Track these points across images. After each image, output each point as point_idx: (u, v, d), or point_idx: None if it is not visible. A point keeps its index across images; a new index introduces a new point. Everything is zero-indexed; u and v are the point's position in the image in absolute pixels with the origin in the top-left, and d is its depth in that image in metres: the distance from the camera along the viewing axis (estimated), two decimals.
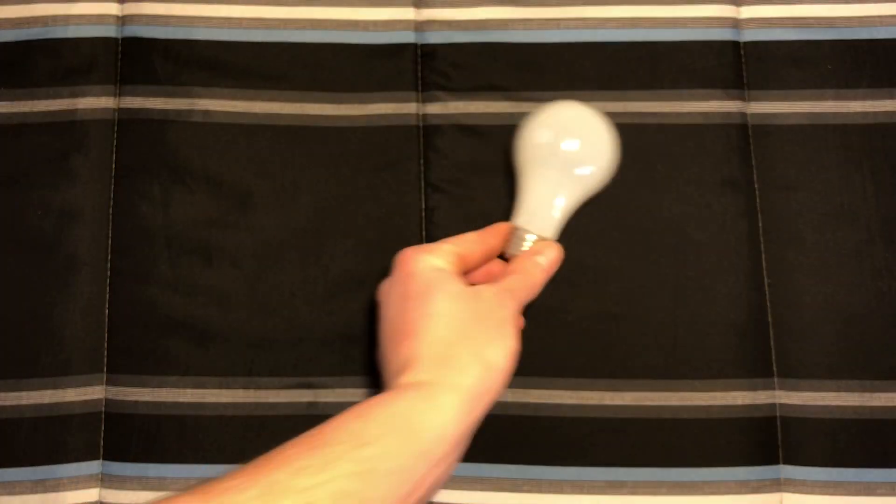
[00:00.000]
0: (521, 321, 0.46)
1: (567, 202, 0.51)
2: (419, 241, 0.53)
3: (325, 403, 0.51)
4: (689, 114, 0.55)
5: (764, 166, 0.54)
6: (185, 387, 0.51)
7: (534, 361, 0.52)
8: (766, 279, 0.53)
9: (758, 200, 0.54)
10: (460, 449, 0.41)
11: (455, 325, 0.42)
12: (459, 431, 0.40)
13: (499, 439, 0.51)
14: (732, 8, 0.57)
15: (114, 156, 0.54)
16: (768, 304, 0.52)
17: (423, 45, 0.56)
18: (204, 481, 0.35)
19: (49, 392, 0.51)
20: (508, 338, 0.43)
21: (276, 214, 0.54)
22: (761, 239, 0.53)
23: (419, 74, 0.56)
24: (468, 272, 0.48)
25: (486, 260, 0.49)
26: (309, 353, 0.52)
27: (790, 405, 0.51)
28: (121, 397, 0.51)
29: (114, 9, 0.57)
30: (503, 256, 0.53)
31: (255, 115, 0.55)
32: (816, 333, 0.52)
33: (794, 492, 0.50)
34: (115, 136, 0.55)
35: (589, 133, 0.51)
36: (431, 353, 0.41)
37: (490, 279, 0.48)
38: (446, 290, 0.43)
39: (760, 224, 0.54)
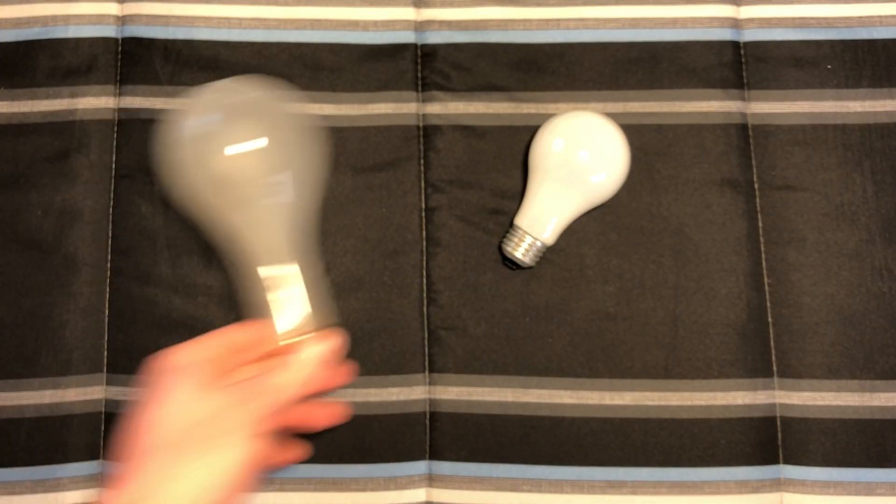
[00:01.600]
0: (264, 426, 0.42)
1: (571, 212, 0.51)
2: (419, 242, 0.53)
3: None
4: (689, 114, 0.55)
5: (764, 166, 0.54)
6: None
7: (534, 361, 0.52)
8: (766, 279, 0.53)
9: (758, 200, 0.54)
10: None
11: (175, 433, 0.41)
12: None
13: (499, 439, 0.51)
14: (732, 8, 0.57)
15: (114, 156, 0.54)
16: (768, 304, 0.52)
17: (423, 45, 0.56)
18: None
19: (49, 392, 0.51)
20: (235, 447, 0.41)
21: None
22: (761, 239, 0.53)
23: (419, 74, 0.56)
24: (228, 369, 0.45)
25: (243, 355, 0.46)
26: None
27: (790, 405, 0.51)
28: (121, 397, 0.51)
29: (114, 9, 0.57)
30: (503, 252, 0.53)
31: None
32: (816, 333, 0.52)
33: (794, 492, 0.50)
34: (115, 136, 0.55)
35: (600, 145, 0.51)
36: (150, 467, 0.40)
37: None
38: (177, 395, 0.42)
39: (760, 224, 0.54)
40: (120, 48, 0.56)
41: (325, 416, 0.48)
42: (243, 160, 0.45)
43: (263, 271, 0.46)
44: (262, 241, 0.45)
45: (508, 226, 0.53)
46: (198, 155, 0.46)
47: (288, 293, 0.46)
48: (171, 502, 0.39)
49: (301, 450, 0.49)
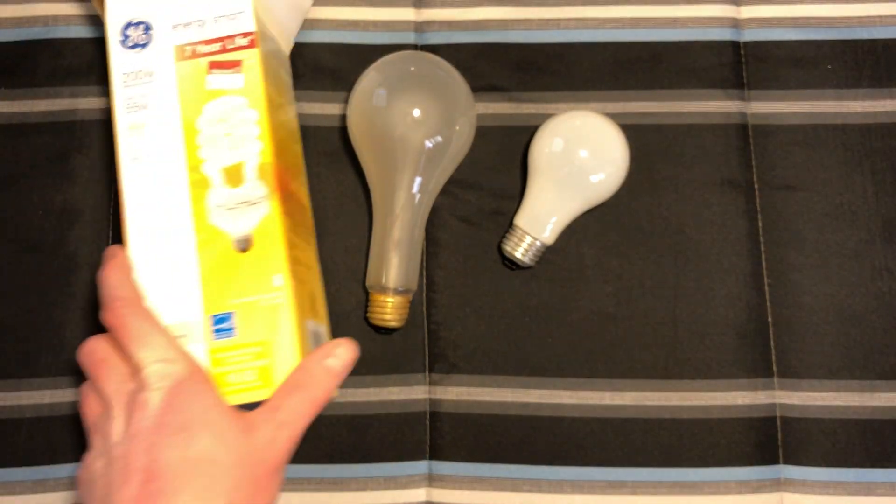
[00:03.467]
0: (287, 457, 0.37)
1: (571, 211, 0.51)
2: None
3: None
4: (689, 114, 0.55)
5: (764, 166, 0.54)
6: None
7: (534, 361, 0.52)
8: (766, 279, 0.53)
9: (758, 200, 0.54)
10: None
11: (219, 477, 0.34)
12: None
13: (499, 439, 0.51)
14: (732, 8, 0.57)
15: (114, 156, 0.54)
16: (768, 304, 0.52)
17: (423, 46, 0.56)
18: None
19: (49, 392, 0.51)
20: (272, 493, 0.35)
21: None
22: (761, 239, 0.53)
23: None
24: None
25: None
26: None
27: (790, 405, 0.51)
28: None
29: None
30: (502, 252, 0.53)
31: None
32: (816, 333, 0.52)
33: (794, 492, 0.50)
34: None
35: (600, 145, 0.51)
36: None
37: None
38: (210, 426, 0.34)
39: (760, 224, 0.54)
40: None
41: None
42: (406, 125, 0.50)
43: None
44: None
45: (508, 226, 0.53)
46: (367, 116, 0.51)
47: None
48: None
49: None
